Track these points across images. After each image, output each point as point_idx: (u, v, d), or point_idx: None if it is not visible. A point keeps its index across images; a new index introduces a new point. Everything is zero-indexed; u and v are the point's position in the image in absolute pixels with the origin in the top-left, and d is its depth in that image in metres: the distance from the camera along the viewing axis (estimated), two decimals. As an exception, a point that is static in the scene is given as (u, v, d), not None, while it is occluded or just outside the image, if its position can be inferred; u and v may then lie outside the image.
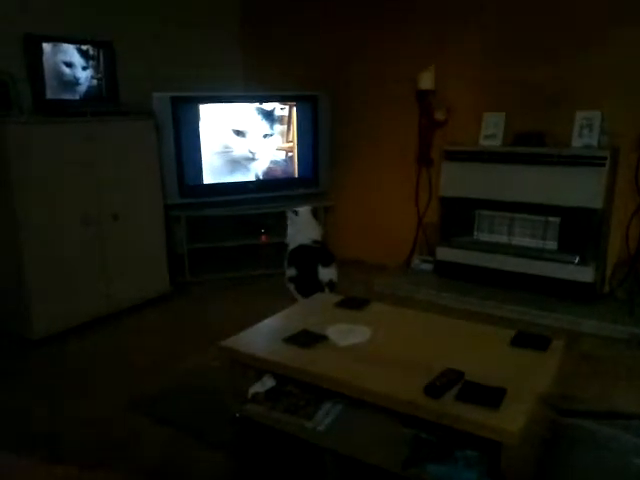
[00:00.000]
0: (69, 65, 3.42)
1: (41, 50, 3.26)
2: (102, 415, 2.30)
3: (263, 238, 4.23)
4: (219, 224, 4.23)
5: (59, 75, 3.38)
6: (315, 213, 3.48)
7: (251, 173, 4.09)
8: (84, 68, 3.50)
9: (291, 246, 3.30)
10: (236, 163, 4.02)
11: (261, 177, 4.13)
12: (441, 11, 3.75)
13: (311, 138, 4.19)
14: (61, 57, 3.38)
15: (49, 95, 3.33)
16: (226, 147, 3.95)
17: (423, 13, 3.82)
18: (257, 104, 3.99)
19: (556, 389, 1.90)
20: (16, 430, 2.22)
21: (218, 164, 3.95)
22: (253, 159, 4.06)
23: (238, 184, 4.05)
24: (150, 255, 3.56)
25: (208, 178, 3.93)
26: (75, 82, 3.47)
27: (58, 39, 3.34)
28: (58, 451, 2.07)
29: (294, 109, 4.10)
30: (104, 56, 3.58)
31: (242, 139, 3.98)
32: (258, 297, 3.66)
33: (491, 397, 1.57)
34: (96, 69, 3.57)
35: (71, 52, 3.42)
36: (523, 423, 1.47)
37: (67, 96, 3.43)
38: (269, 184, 4.16)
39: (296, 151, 4.19)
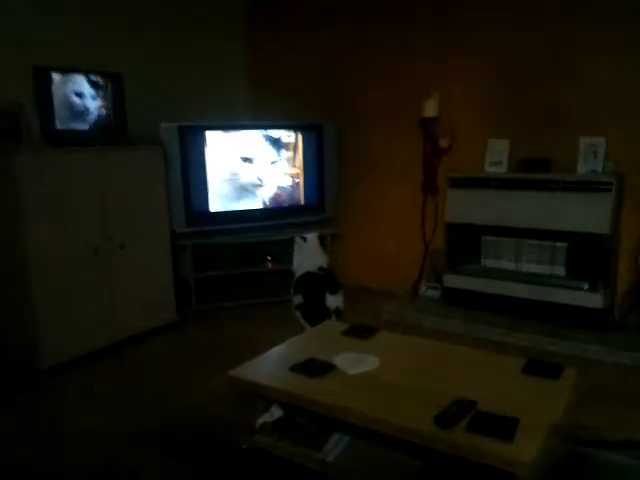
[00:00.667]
0: (78, 95, 3.48)
1: (50, 81, 3.32)
2: (104, 446, 2.27)
3: (269, 265, 4.22)
4: (225, 252, 4.24)
5: (68, 105, 3.43)
6: (322, 240, 3.48)
7: (258, 200, 4.11)
8: (93, 98, 3.56)
9: (298, 273, 3.29)
10: (243, 190, 4.04)
11: (267, 204, 4.15)
12: (443, 40, 3.82)
13: (317, 165, 4.23)
14: (70, 87, 3.43)
15: (58, 125, 3.38)
16: (233, 175, 3.98)
17: (425, 42, 3.89)
18: (264, 131, 4.04)
19: (569, 418, 1.86)
20: (18, 461, 2.19)
21: (225, 192, 3.98)
22: (260, 186, 4.09)
23: (245, 212, 4.07)
24: (157, 283, 3.55)
25: (215, 206, 3.95)
26: (84, 112, 3.52)
27: (67, 70, 3.41)
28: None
29: (300, 136, 4.15)
30: (112, 87, 3.64)
31: (249, 166, 4.02)
32: (265, 325, 3.64)
33: (504, 427, 1.54)
34: (105, 99, 3.63)
35: (80, 82, 3.48)
36: (536, 454, 1.44)
37: (76, 126, 3.47)
38: (275, 211, 4.18)
39: (302, 178, 4.22)
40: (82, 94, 3.50)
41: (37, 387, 2.86)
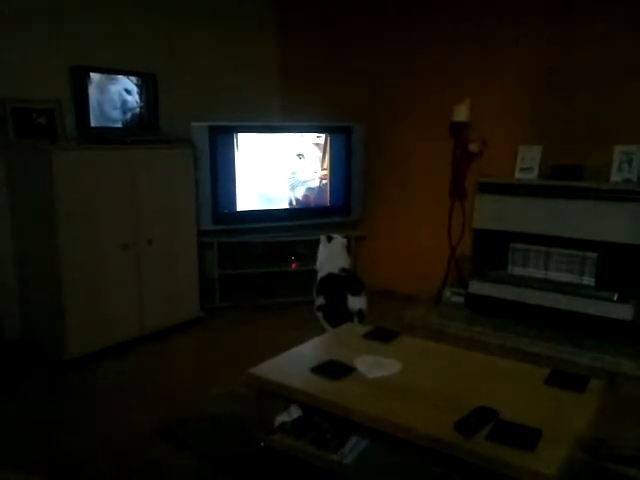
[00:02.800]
0: (114, 94, 3.56)
1: (87, 80, 3.41)
2: (124, 440, 2.30)
3: (293, 265, 4.24)
4: (250, 250, 4.27)
5: (104, 104, 3.52)
6: (348, 242, 3.47)
7: (284, 201, 4.13)
8: (128, 98, 3.64)
9: (320, 274, 3.30)
10: (270, 190, 4.07)
11: (294, 205, 4.17)
12: (477, 43, 3.78)
13: (344, 167, 4.23)
14: (106, 87, 3.52)
15: (93, 123, 3.46)
16: (261, 174, 4.01)
17: (459, 46, 3.86)
18: (293, 133, 4.06)
19: (594, 432, 1.82)
20: (37, 452, 2.24)
21: (252, 191, 4.01)
22: (287, 187, 4.12)
23: (271, 211, 4.09)
24: (182, 280, 3.60)
25: (241, 205, 3.99)
26: (119, 111, 3.60)
27: (104, 70, 3.49)
28: (74, 475, 2.08)
29: (329, 138, 4.15)
30: (147, 86, 3.72)
31: (277, 166, 4.04)
32: (287, 324, 3.65)
33: (526, 438, 1.51)
34: (139, 99, 3.70)
35: (116, 82, 3.56)
36: (559, 467, 1.41)
37: (111, 124, 3.56)
38: (302, 212, 4.19)
39: (330, 180, 4.23)
40: (118, 93, 3.58)
41: (59, 377, 2.92)
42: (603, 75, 3.34)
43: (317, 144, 4.14)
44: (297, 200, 4.17)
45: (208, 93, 4.18)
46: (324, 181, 4.22)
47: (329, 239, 3.28)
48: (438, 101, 3.92)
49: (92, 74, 3.43)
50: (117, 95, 3.58)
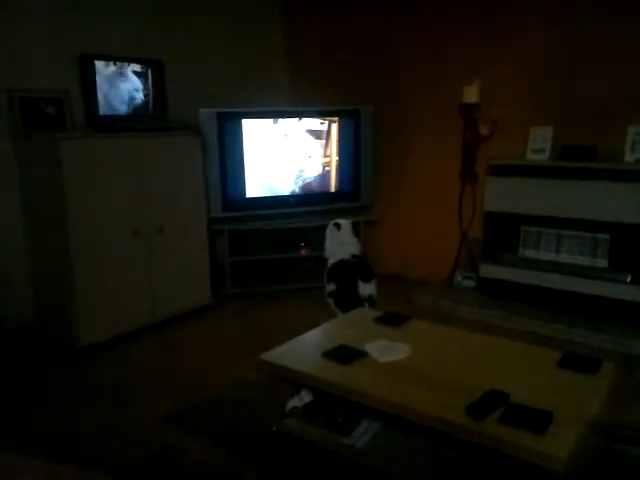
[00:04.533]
0: (121, 82, 3.56)
1: (94, 68, 3.40)
2: (138, 427, 2.32)
3: (303, 251, 4.24)
4: (260, 237, 4.28)
5: (111, 92, 3.51)
6: (356, 227, 3.45)
7: (293, 187, 4.12)
8: (135, 85, 3.63)
9: (331, 261, 3.29)
10: (279, 177, 4.06)
11: (303, 191, 4.16)
12: (488, 26, 3.71)
13: (353, 152, 4.20)
14: (114, 75, 3.51)
15: (102, 111, 3.46)
16: (269, 161, 4.00)
17: (470, 27, 3.79)
18: (300, 119, 4.03)
19: (606, 414, 1.81)
20: (53, 437, 2.28)
21: (261, 178, 4.00)
22: (296, 173, 4.10)
23: (279, 198, 4.09)
24: (193, 267, 3.62)
25: (250, 192, 3.98)
26: (126, 99, 3.60)
27: (111, 57, 3.47)
28: (86, 459, 2.10)
29: (333, 124, 4.11)
30: (153, 74, 3.71)
31: (286, 153, 4.03)
32: (298, 310, 3.66)
33: (537, 421, 1.51)
34: (146, 86, 3.69)
35: (123, 70, 3.55)
36: (571, 449, 1.41)
37: (118, 112, 3.56)
38: (310, 198, 4.18)
39: (336, 165, 4.20)
40: (125, 81, 3.58)
41: (71, 364, 2.96)
42: (614, 54, 3.27)
43: (319, 130, 4.10)
44: (305, 186, 4.15)
45: (216, 79, 4.16)
46: (332, 166, 4.20)
47: (338, 226, 3.26)
48: (448, 83, 3.87)
49: (101, 67, 3.41)
50: (125, 87, 3.57)
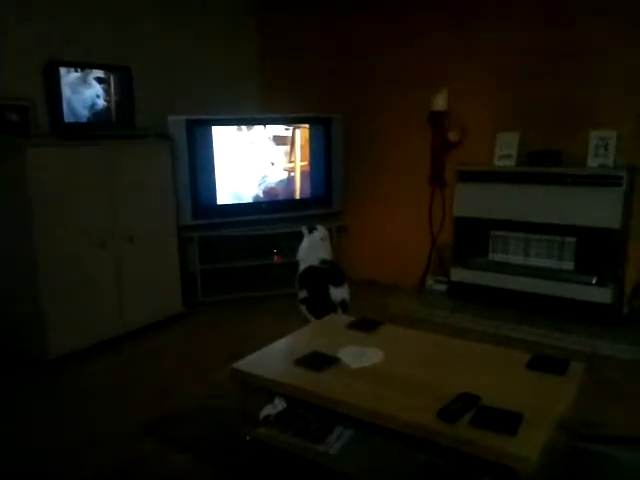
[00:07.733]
0: (87, 89, 3.49)
1: (60, 75, 3.34)
2: (110, 438, 2.28)
3: (276, 258, 4.22)
4: (231, 245, 4.24)
5: (77, 99, 3.44)
6: (330, 233, 3.46)
7: (264, 193, 4.11)
8: (102, 92, 3.57)
9: (301, 267, 3.29)
10: (250, 184, 4.04)
11: (274, 197, 4.14)
12: (454, 35, 3.77)
13: (324, 158, 4.21)
14: (79, 82, 3.45)
15: (67, 119, 3.39)
16: (240, 168, 3.97)
17: (437, 35, 3.85)
18: (269, 126, 4.03)
19: (575, 414, 1.85)
20: (19, 454, 2.21)
21: (231, 185, 3.97)
22: (267, 179, 4.09)
23: (250, 205, 4.06)
24: (164, 276, 3.56)
25: (221, 199, 3.95)
26: (93, 106, 3.54)
27: (76, 64, 3.41)
28: (57, 475, 2.05)
29: (297, 130, 4.11)
30: (121, 80, 3.65)
31: (256, 159, 4.01)
32: (270, 318, 3.64)
33: (507, 422, 1.53)
34: (113, 93, 3.63)
35: (89, 76, 3.49)
36: (540, 449, 1.43)
37: (84, 120, 3.49)
38: (282, 204, 4.17)
39: (309, 171, 4.20)
40: (91, 88, 3.51)
41: (41, 377, 2.88)
42: (578, 59, 3.36)
43: (284, 137, 4.09)
44: (276, 193, 4.14)
45: (185, 86, 4.12)
46: (303, 173, 4.20)
47: (310, 230, 3.26)
48: (417, 91, 3.92)
49: (64, 73, 3.34)
50: (89, 93, 3.50)
